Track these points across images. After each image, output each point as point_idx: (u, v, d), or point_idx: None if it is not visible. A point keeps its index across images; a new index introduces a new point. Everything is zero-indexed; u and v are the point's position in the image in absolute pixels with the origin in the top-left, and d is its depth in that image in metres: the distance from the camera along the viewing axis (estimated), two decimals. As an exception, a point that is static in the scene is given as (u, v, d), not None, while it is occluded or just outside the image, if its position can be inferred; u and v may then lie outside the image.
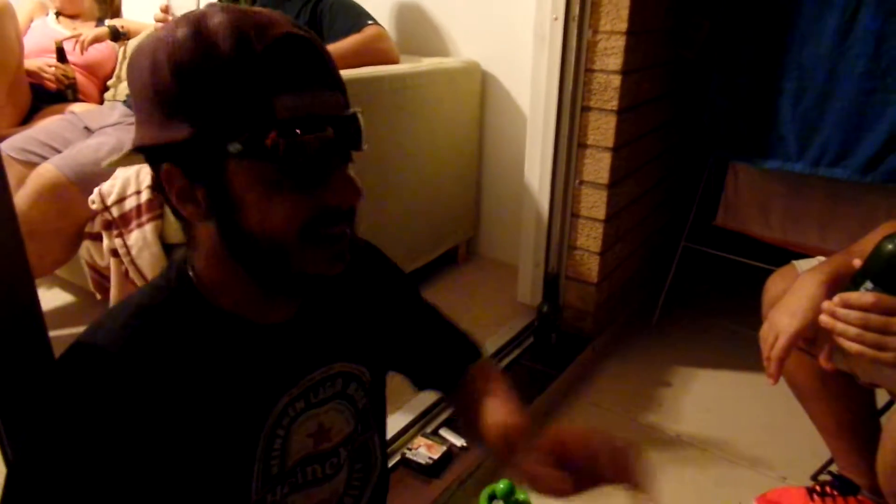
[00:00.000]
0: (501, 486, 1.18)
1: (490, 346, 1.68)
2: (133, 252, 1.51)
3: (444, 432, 1.36)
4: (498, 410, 0.78)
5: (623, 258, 1.85)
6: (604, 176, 1.60)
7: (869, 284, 0.82)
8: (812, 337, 0.94)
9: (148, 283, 0.66)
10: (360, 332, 0.75)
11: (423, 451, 1.28)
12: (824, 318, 0.83)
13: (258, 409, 0.64)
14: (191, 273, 0.62)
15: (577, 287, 1.75)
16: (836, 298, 0.82)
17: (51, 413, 0.57)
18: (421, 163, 1.91)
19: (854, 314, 0.80)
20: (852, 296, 0.81)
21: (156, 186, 0.60)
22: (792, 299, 0.95)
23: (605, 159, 1.59)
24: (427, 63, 1.95)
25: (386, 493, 0.85)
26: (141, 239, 1.49)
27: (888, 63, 1.38)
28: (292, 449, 0.68)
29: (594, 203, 1.64)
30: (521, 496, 1.18)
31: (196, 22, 0.54)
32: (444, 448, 1.30)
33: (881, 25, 1.37)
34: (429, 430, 1.37)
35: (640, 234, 1.93)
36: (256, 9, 0.57)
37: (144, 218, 1.48)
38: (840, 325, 0.81)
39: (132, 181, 1.50)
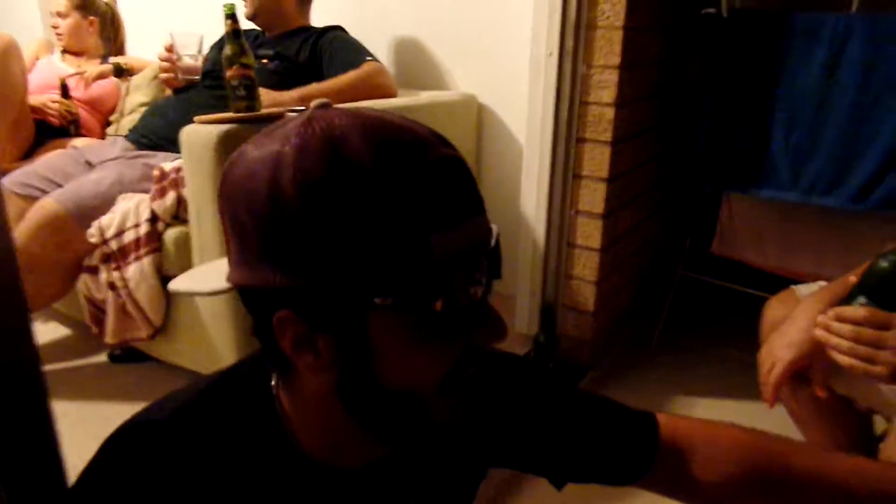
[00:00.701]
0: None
1: (488, 376, 1.67)
2: (131, 285, 1.51)
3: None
4: None
5: (620, 287, 1.85)
6: (599, 206, 1.62)
7: (862, 299, 0.84)
8: (808, 364, 0.96)
9: (225, 392, 0.57)
10: (455, 471, 0.65)
11: None
12: (818, 332, 0.85)
13: None
14: (277, 409, 0.55)
15: (574, 316, 1.75)
16: (831, 312, 0.84)
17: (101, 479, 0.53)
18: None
19: (847, 328, 0.81)
20: (846, 310, 0.83)
21: (256, 331, 0.50)
22: (791, 328, 0.98)
23: (601, 189, 1.61)
24: (425, 96, 1.99)
25: None
26: (139, 272, 1.50)
27: (877, 93, 1.41)
28: None
29: (590, 232, 1.66)
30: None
31: (329, 140, 0.43)
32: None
33: (869, 56, 1.41)
34: None
35: (637, 263, 1.94)
36: (396, 120, 0.47)
37: (143, 251, 1.49)
38: (833, 339, 0.82)
39: (131, 214, 1.52)
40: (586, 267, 1.69)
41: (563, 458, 0.68)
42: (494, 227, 0.49)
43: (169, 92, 1.96)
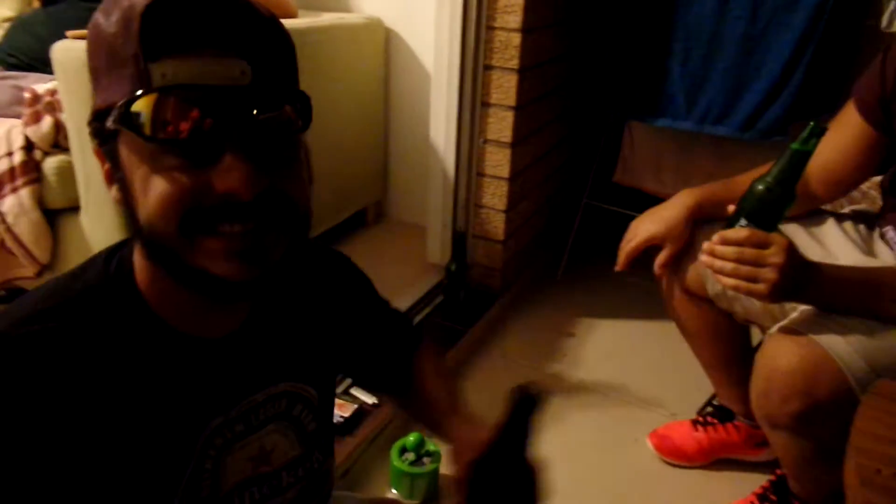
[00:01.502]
0: (412, 438, 1.20)
1: (401, 305, 1.69)
2: (9, 220, 1.39)
3: (354, 391, 1.36)
4: (459, 430, 0.74)
5: (528, 216, 1.90)
6: (507, 135, 1.63)
7: (743, 221, 0.89)
8: (662, 241, 1.12)
9: (81, 267, 0.57)
10: (313, 349, 0.68)
11: (335, 410, 1.28)
12: (703, 258, 0.90)
13: (185, 430, 0.57)
14: (133, 268, 0.55)
15: (485, 245, 1.79)
16: (715, 237, 0.89)
17: None
18: (323, 123, 1.85)
19: (730, 249, 0.87)
20: (728, 232, 0.88)
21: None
22: (662, 208, 1.13)
23: (508, 118, 1.61)
24: (327, 18, 1.89)
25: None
26: (17, 205, 1.37)
27: (764, 25, 1.47)
28: (228, 472, 0.61)
29: (498, 162, 1.67)
30: (430, 447, 1.21)
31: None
32: (355, 406, 1.31)
33: (757, -10, 1.46)
34: (339, 389, 1.37)
35: (544, 191, 1.99)
36: None
37: (19, 182, 1.37)
38: (718, 263, 0.88)
39: (2, 142, 1.38)
40: (495, 196, 1.72)
41: (355, 348, 0.76)
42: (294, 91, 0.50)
43: (36, 4, 1.75)
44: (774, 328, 0.95)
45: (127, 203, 0.50)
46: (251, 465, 0.63)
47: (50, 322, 0.51)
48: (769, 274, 0.84)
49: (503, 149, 1.65)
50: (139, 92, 0.45)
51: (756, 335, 1.26)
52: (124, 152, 0.48)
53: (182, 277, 0.51)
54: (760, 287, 0.85)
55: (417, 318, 1.69)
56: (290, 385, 0.65)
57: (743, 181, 0.97)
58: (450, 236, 1.81)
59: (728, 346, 1.22)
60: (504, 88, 1.58)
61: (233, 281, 0.50)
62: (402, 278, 1.89)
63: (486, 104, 1.62)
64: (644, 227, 1.14)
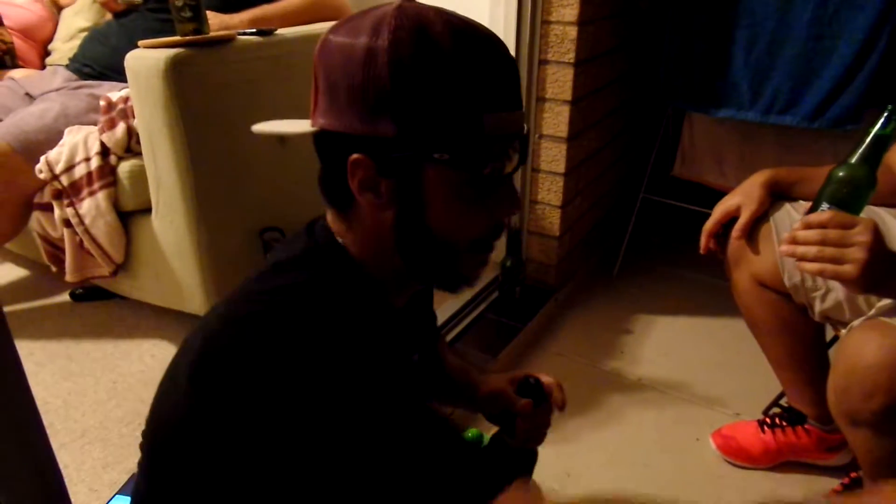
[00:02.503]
0: (470, 434, 1.21)
1: (456, 302, 1.70)
2: (87, 221, 1.47)
3: (412, 387, 1.38)
4: (486, 382, 0.90)
5: (584, 211, 1.87)
6: (563, 129, 1.61)
7: (825, 206, 0.86)
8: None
9: (287, 258, 0.64)
10: (425, 324, 0.85)
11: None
12: (784, 248, 0.86)
13: (391, 382, 0.64)
14: (343, 246, 0.64)
15: (540, 241, 1.78)
16: (797, 223, 0.85)
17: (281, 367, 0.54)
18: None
19: (813, 233, 0.82)
20: (811, 216, 0.84)
21: (323, 175, 0.61)
22: (746, 184, 1.11)
23: (564, 112, 1.59)
24: (382, 19, 1.91)
25: None
26: (94, 207, 1.45)
27: (834, 8, 1.40)
28: None
29: (554, 157, 1.66)
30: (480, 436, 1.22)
31: (418, 24, 0.54)
32: (414, 402, 1.33)
33: (828, -29, 1.40)
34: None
35: (600, 186, 1.96)
36: (468, 19, 0.58)
37: (96, 185, 1.44)
38: (800, 249, 0.83)
39: (80, 148, 1.45)
40: (551, 191, 1.70)
41: None
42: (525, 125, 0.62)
43: (109, 16, 1.84)
44: (858, 320, 0.91)
45: (408, 215, 0.59)
46: None
47: (316, 301, 0.59)
48: (857, 253, 0.79)
49: (559, 144, 1.63)
50: (479, 140, 0.56)
51: (830, 335, 1.21)
52: (433, 180, 0.57)
53: (437, 275, 0.64)
54: (848, 268, 0.80)
55: (472, 315, 1.70)
56: (418, 355, 0.78)
57: (818, 170, 0.94)
58: (505, 232, 1.81)
59: (801, 343, 1.17)
60: (560, 83, 1.56)
61: (473, 281, 0.65)
62: (457, 275, 1.90)
63: (541, 99, 1.61)
64: (720, 205, 1.13)
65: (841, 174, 0.86)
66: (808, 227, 0.84)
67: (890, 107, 0.81)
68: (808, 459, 1.27)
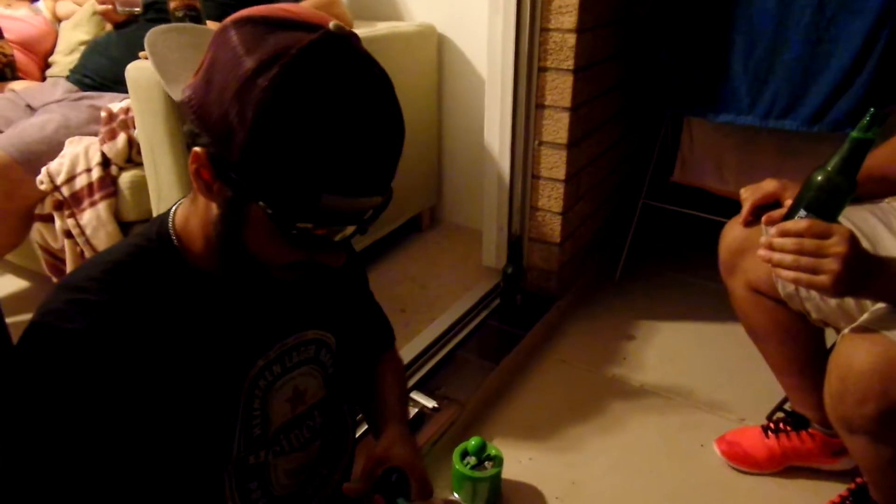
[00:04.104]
0: (473, 442, 1.20)
1: (457, 309, 1.70)
2: (87, 232, 1.47)
3: (415, 395, 1.37)
4: (387, 435, 0.81)
5: (584, 217, 1.87)
6: (562, 136, 1.62)
7: (802, 213, 0.85)
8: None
9: (125, 240, 0.67)
10: (328, 303, 0.78)
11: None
12: (761, 252, 0.86)
13: (235, 371, 0.67)
14: (172, 234, 0.64)
15: (541, 248, 1.78)
16: (773, 230, 0.86)
17: (32, 370, 0.57)
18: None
19: (789, 241, 0.83)
20: (787, 223, 0.84)
21: (187, 142, 0.59)
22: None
23: (564, 119, 1.60)
24: (382, 27, 1.92)
25: (352, 462, 0.88)
26: (95, 218, 1.45)
27: (832, 13, 1.41)
28: (273, 413, 0.71)
29: (554, 163, 1.66)
30: (492, 451, 1.21)
31: (310, 79, 0.52)
32: (416, 410, 1.32)
33: (825, -24, 1.40)
34: (400, 394, 1.39)
35: (601, 192, 1.96)
36: (371, 86, 0.56)
37: (97, 196, 1.44)
38: (776, 256, 0.84)
39: (81, 159, 1.46)
40: (551, 198, 1.70)
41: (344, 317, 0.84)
42: (382, 198, 0.60)
43: (109, 28, 1.84)
44: (848, 328, 0.91)
45: (228, 224, 0.59)
46: (289, 405, 0.73)
47: (109, 285, 0.60)
48: (831, 265, 0.80)
49: (559, 150, 1.64)
50: (303, 209, 0.55)
51: (831, 338, 1.21)
52: (255, 215, 0.57)
53: (247, 276, 0.63)
54: (822, 279, 0.81)
55: (474, 322, 1.69)
56: (317, 333, 0.75)
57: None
58: (505, 240, 1.81)
59: (801, 348, 1.17)
60: (559, 90, 1.57)
61: (287, 284, 0.65)
62: (458, 282, 1.90)
63: (540, 106, 1.61)
64: (765, 183, 1.08)
65: (819, 180, 0.84)
66: (784, 234, 0.84)
67: (872, 110, 0.80)
68: (814, 464, 1.27)
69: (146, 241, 0.64)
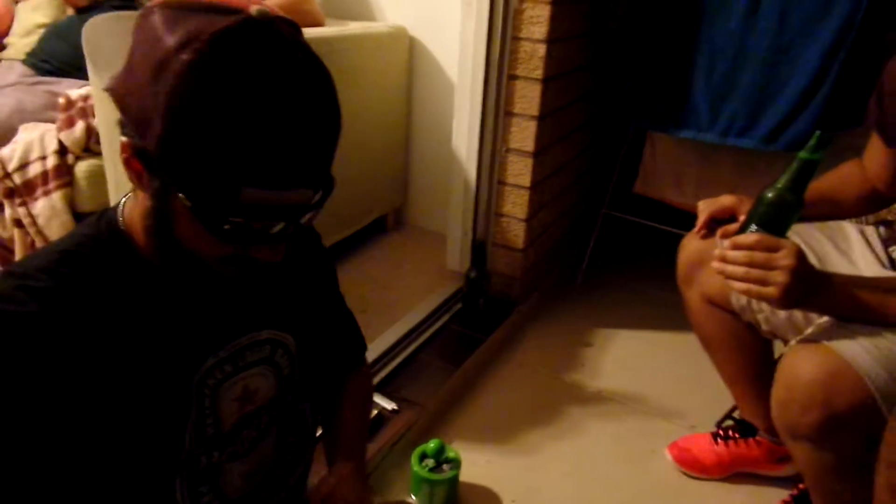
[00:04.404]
0: (432, 445, 1.21)
1: (420, 312, 1.70)
2: (40, 221, 1.42)
3: (375, 397, 1.37)
4: (337, 471, 0.78)
5: (548, 225, 1.90)
6: (529, 144, 1.64)
7: (754, 227, 0.90)
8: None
9: (75, 230, 0.64)
10: (288, 303, 0.76)
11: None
12: (715, 264, 0.90)
13: (184, 366, 0.65)
14: (122, 225, 0.62)
15: (504, 253, 1.79)
16: (726, 242, 0.90)
17: None
18: (347, 130, 1.86)
19: (741, 254, 0.87)
20: (739, 237, 0.89)
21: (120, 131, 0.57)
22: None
23: (531, 127, 1.62)
24: (353, 27, 1.91)
25: (310, 464, 0.87)
26: (49, 207, 1.41)
27: (790, 37, 1.47)
28: (223, 412, 0.69)
29: (520, 171, 1.68)
30: (451, 454, 1.22)
31: (221, 64, 0.49)
32: (376, 412, 1.32)
33: (784, 3, 1.46)
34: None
35: (564, 201, 1.99)
36: (293, 71, 0.53)
37: (52, 185, 1.40)
38: (729, 268, 0.88)
39: (35, 146, 1.41)
40: (516, 205, 1.72)
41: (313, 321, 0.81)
42: (318, 195, 0.57)
43: (70, 12, 1.79)
44: (794, 339, 0.95)
45: (160, 215, 0.57)
46: (237, 404, 0.70)
47: (58, 274, 0.58)
48: (779, 277, 0.84)
49: (525, 158, 1.66)
50: (224, 204, 0.52)
51: (780, 349, 1.25)
52: (181, 209, 0.54)
53: (186, 269, 0.60)
54: (771, 290, 0.85)
55: (436, 325, 1.70)
56: (273, 333, 0.73)
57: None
58: (469, 244, 1.82)
59: (751, 359, 1.21)
60: (528, 98, 1.59)
61: (233, 280, 0.62)
62: (421, 285, 1.90)
63: (509, 113, 1.63)
64: (722, 198, 1.11)
65: (769, 196, 0.89)
66: (736, 247, 0.88)
67: (818, 133, 0.84)
68: (759, 470, 1.31)
69: (96, 230, 0.63)
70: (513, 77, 1.59)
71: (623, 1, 1.78)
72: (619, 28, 1.82)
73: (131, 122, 0.54)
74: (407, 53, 2.07)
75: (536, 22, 1.51)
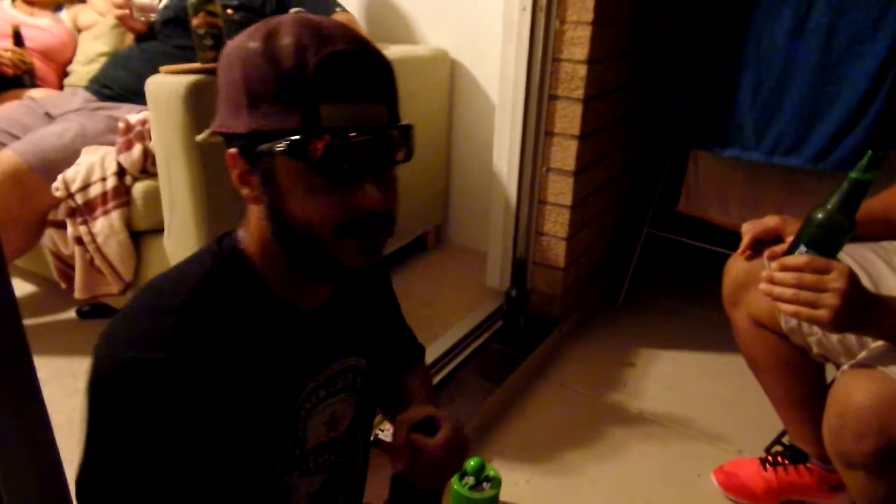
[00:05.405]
0: (472, 463, 1.21)
1: (460, 329, 1.71)
2: (99, 240, 1.49)
3: (416, 414, 1.38)
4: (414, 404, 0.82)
5: (589, 244, 1.89)
6: (570, 163, 1.64)
7: (803, 248, 0.87)
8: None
9: (193, 257, 0.67)
10: (367, 327, 0.79)
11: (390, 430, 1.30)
12: (763, 286, 0.88)
13: (291, 391, 0.67)
14: (242, 247, 0.65)
15: (545, 272, 1.79)
16: (775, 264, 0.87)
17: (124, 397, 0.56)
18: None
19: (790, 275, 0.85)
20: (788, 258, 0.86)
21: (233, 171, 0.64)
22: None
23: (572, 147, 1.62)
24: (396, 50, 1.96)
25: (363, 488, 0.88)
26: (107, 226, 1.47)
27: (839, 56, 1.44)
28: (309, 435, 0.71)
29: (561, 190, 1.68)
30: (490, 472, 1.22)
31: (269, 33, 0.58)
32: (417, 429, 1.33)
33: (832, 20, 1.44)
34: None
35: (606, 220, 1.98)
36: (326, 23, 0.60)
37: (111, 205, 1.47)
38: (777, 290, 0.86)
39: (97, 167, 1.48)
40: (557, 223, 1.72)
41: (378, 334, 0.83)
42: (406, 122, 0.64)
43: (129, 40, 1.88)
44: (847, 364, 0.92)
45: (273, 205, 0.61)
46: (325, 429, 0.73)
47: (188, 314, 0.60)
48: (831, 299, 0.82)
49: (566, 177, 1.66)
50: (310, 129, 0.57)
51: (831, 373, 1.22)
52: (282, 170, 0.59)
53: (315, 265, 0.63)
54: (822, 313, 0.83)
55: (476, 343, 1.70)
56: (356, 360, 0.75)
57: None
58: (510, 262, 1.83)
59: (801, 382, 1.18)
60: (568, 118, 1.60)
61: (356, 269, 0.63)
62: (461, 303, 1.91)
63: (549, 133, 1.64)
64: (766, 219, 1.09)
65: (820, 217, 0.87)
66: (785, 269, 0.86)
67: (870, 152, 0.82)
68: (811, 498, 1.27)
69: (217, 259, 0.65)
70: (553, 97, 1.60)
71: (665, 22, 1.77)
72: (660, 48, 1.82)
73: (228, 127, 0.60)
74: (448, 75, 2.11)
75: (577, 43, 1.52)
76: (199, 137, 0.67)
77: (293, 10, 0.62)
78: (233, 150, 0.61)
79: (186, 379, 0.57)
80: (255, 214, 0.63)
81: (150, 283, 0.65)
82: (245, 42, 0.59)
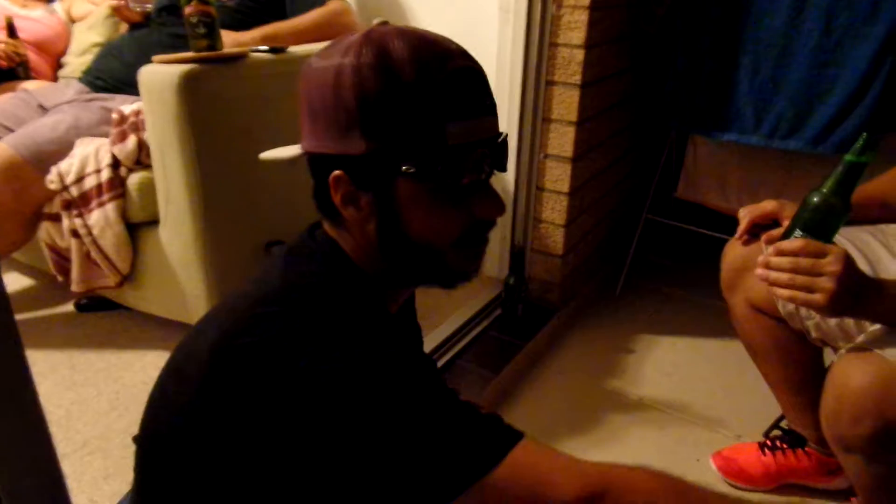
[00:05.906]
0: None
1: (458, 318, 1.71)
2: (95, 232, 1.48)
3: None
4: None
5: (587, 231, 1.89)
6: (568, 149, 1.63)
7: (798, 232, 0.87)
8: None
9: (300, 264, 0.66)
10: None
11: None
12: (758, 271, 0.88)
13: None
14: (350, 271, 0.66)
15: (543, 259, 1.79)
16: (770, 249, 0.87)
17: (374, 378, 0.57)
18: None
19: (785, 260, 0.84)
20: (783, 243, 0.86)
21: (315, 192, 0.65)
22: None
23: (569, 133, 1.61)
24: (391, 38, 1.94)
25: None
26: (103, 219, 1.47)
27: (838, 37, 1.43)
28: None
29: (558, 176, 1.67)
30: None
31: (380, 48, 0.58)
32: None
33: (831, 2, 1.42)
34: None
35: (604, 206, 1.97)
36: (432, 36, 0.61)
37: (106, 197, 1.46)
38: (773, 274, 0.85)
39: (91, 159, 1.47)
40: (555, 210, 1.72)
41: None
42: (504, 131, 0.64)
43: (123, 30, 1.87)
44: (845, 348, 0.92)
45: (388, 222, 0.62)
46: None
47: (358, 311, 0.62)
48: (826, 283, 0.81)
49: (563, 164, 1.65)
50: (438, 149, 0.58)
51: (829, 357, 1.21)
52: (403, 189, 0.60)
53: (430, 274, 0.66)
54: (818, 297, 0.82)
55: (474, 332, 1.70)
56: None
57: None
58: (508, 250, 1.82)
59: (800, 367, 1.17)
60: (566, 104, 1.58)
61: (470, 274, 0.67)
62: (459, 291, 1.89)
63: (547, 119, 1.63)
64: (763, 203, 1.08)
65: (815, 200, 0.86)
66: (780, 253, 0.85)
67: (864, 134, 0.81)
68: (809, 482, 1.27)
69: (340, 269, 0.65)
70: (550, 83, 1.59)
71: (662, 4, 1.75)
72: (658, 31, 1.80)
73: (331, 147, 0.60)
74: (444, 61, 2.09)
75: (574, 28, 1.50)
76: (288, 155, 0.66)
77: (376, 20, 0.64)
78: (338, 172, 0.60)
79: (408, 364, 0.60)
80: (361, 232, 0.64)
81: (286, 294, 0.62)
82: (354, 57, 0.58)
